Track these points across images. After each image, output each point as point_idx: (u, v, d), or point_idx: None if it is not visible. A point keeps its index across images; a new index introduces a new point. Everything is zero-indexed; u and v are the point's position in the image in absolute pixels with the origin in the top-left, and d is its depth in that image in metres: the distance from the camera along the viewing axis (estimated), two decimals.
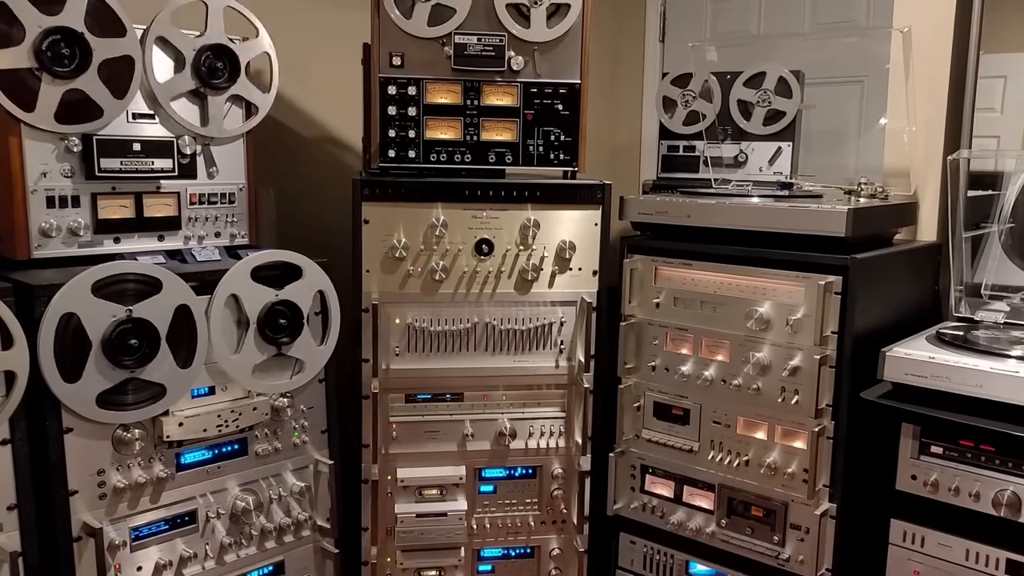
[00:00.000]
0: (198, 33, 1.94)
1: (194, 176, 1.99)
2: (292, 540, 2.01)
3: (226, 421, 1.85)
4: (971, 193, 2.21)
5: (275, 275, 1.91)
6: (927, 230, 2.34)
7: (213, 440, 1.86)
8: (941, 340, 1.90)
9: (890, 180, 2.33)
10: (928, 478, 1.78)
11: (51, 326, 1.60)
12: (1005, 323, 2.06)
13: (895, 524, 1.84)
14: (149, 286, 1.72)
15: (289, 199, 2.55)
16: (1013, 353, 1.77)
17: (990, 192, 2.25)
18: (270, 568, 1.98)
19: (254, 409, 1.90)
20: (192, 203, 2.00)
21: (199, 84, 1.94)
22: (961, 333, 1.95)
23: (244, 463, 1.92)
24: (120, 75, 1.82)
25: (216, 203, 2.04)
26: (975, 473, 1.73)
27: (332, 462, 2.05)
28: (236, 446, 1.90)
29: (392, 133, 2.09)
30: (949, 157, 2.10)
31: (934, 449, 1.78)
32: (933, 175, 2.31)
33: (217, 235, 2.05)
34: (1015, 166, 2.23)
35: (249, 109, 2.06)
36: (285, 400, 1.95)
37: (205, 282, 1.81)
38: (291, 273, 1.93)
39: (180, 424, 1.78)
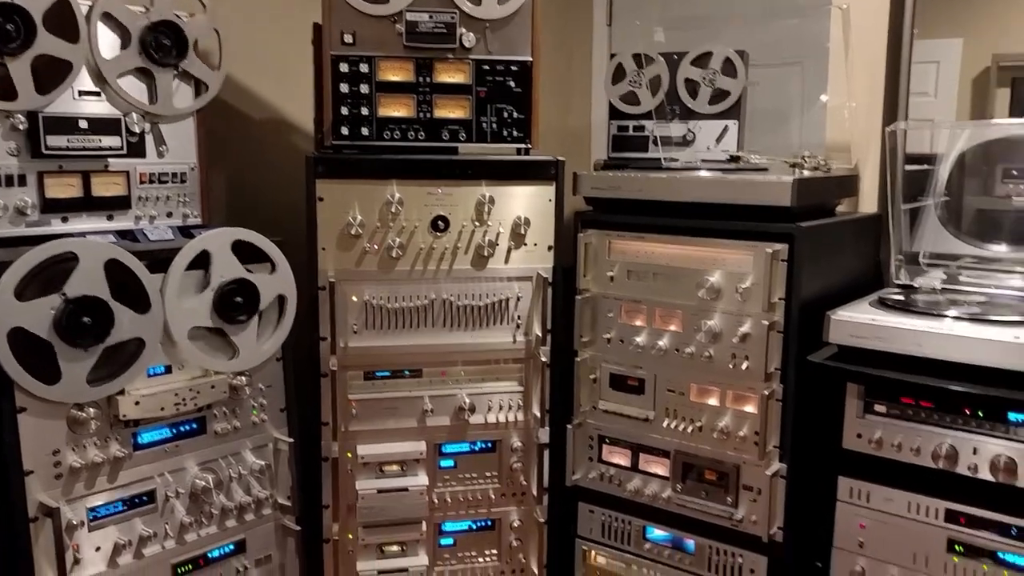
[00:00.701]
0: (144, 9, 1.91)
1: (143, 155, 1.97)
2: (253, 518, 2.01)
3: (184, 400, 1.84)
4: (908, 168, 2.30)
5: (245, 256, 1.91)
6: (868, 202, 2.43)
7: (171, 419, 1.84)
8: (883, 304, 1.97)
9: (832, 154, 2.41)
10: (872, 436, 1.85)
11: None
12: (942, 289, 2.15)
13: (842, 481, 1.92)
14: (68, 261, 1.66)
15: (243, 179, 2.53)
16: (949, 314, 1.85)
17: (926, 167, 2.35)
18: (231, 547, 1.98)
19: (212, 387, 1.89)
20: (142, 182, 1.98)
21: (146, 61, 1.92)
22: (901, 298, 2.03)
23: (203, 442, 1.91)
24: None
25: (167, 182, 2.02)
26: (916, 429, 1.80)
27: (292, 440, 2.05)
28: (195, 425, 1.89)
29: (345, 111, 2.09)
30: (887, 128, 2.19)
31: (877, 408, 1.86)
32: (873, 149, 2.40)
33: (169, 215, 2.03)
34: (947, 146, 2.32)
35: (199, 87, 2.04)
36: (243, 379, 1.94)
37: (158, 260, 1.80)
38: (260, 257, 1.94)
39: (137, 403, 1.77)
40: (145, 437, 1.81)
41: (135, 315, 1.74)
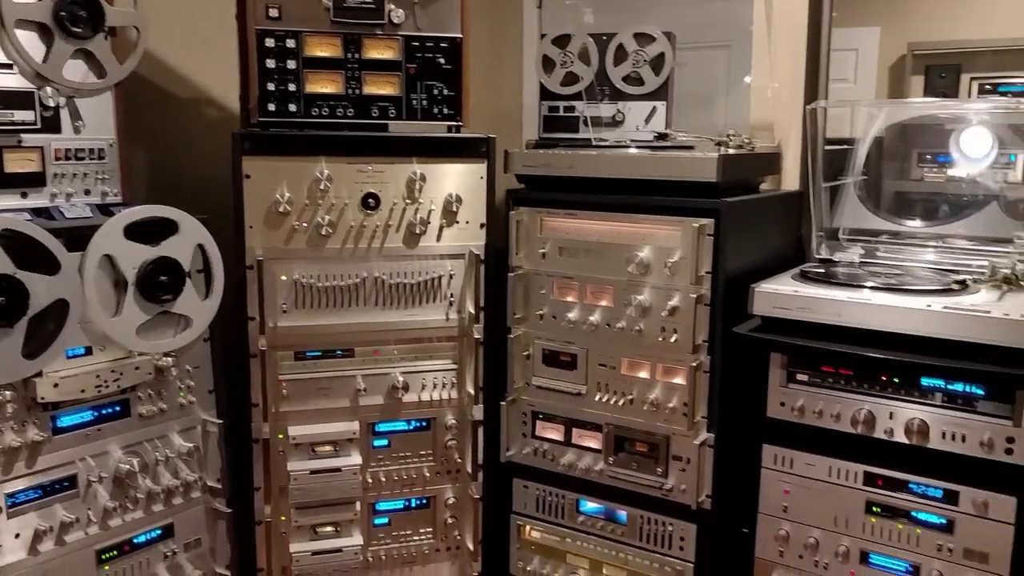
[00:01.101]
0: None
1: (59, 130, 1.90)
2: (181, 502, 1.97)
3: (106, 382, 1.78)
4: (828, 148, 2.37)
5: (151, 231, 1.85)
6: (791, 180, 2.50)
7: (92, 402, 1.79)
8: (804, 276, 2.04)
9: (756, 133, 2.47)
10: (795, 404, 1.92)
11: None
12: (861, 262, 2.23)
13: (767, 449, 1.97)
14: None
15: (166, 156, 2.46)
16: (867, 284, 1.92)
17: (845, 147, 2.42)
18: (158, 532, 1.93)
19: (136, 369, 1.84)
20: (57, 159, 1.90)
21: (53, 23, 1.81)
22: (822, 271, 2.10)
23: (127, 425, 1.87)
24: None
25: (84, 159, 1.95)
26: (836, 396, 1.87)
27: (221, 422, 2.01)
28: (118, 408, 1.84)
29: (271, 87, 2.05)
30: (808, 107, 2.25)
31: (800, 377, 1.92)
32: (795, 128, 2.46)
33: (87, 192, 1.96)
34: (864, 128, 2.41)
35: (100, 72, 1.96)
36: (169, 360, 1.90)
37: (75, 238, 1.74)
38: (168, 229, 1.87)
39: (55, 385, 1.71)
40: (65, 420, 1.76)
41: (49, 279, 1.68)
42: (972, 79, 2.40)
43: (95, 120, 1.96)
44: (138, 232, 1.82)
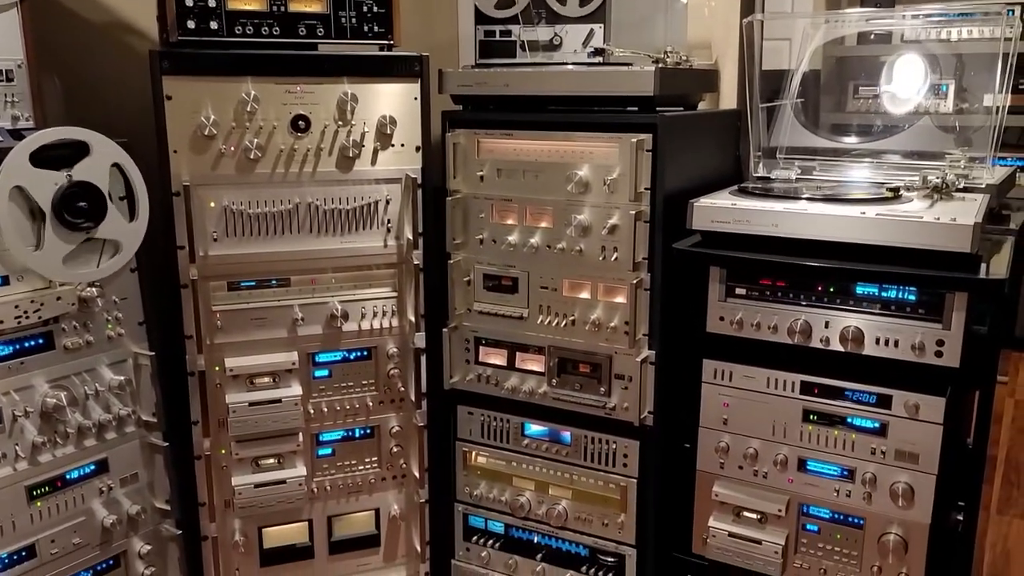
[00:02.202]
0: None
1: None
2: (115, 437, 1.92)
3: (26, 312, 1.71)
4: (766, 69, 2.36)
5: (63, 155, 1.75)
6: (728, 99, 2.49)
7: (12, 334, 1.71)
8: (742, 191, 2.04)
9: (694, 51, 2.44)
10: (734, 318, 1.93)
11: None
12: (797, 179, 2.24)
13: (707, 364, 1.99)
14: None
15: (82, 78, 2.33)
16: (804, 195, 1.93)
17: (783, 68, 2.42)
18: (92, 467, 1.88)
19: (58, 299, 1.76)
20: None
21: None
22: (760, 186, 2.11)
23: (51, 358, 1.79)
24: None
25: None
26: (773, 308, 1.89)
27: (152, 354, 1.95)
28: (41, 340, 1.77)
29: (190, 2, 1.94)
30: (744, 20, 2.23)
31: (738, 291, 1.93)
32: (732, 46, 2.45)
33: None
34: (800, 47, 2.40)
35: None
36: (94, 290, 1.82)
37: None
38: (80, 152, 1.78)
39: None
40: None
41: None
42: None
43: (1, 40, 1.84)
44: (50, 158, 1.73)
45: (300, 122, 2.04)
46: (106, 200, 1.79)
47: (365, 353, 2.24)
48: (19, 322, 1.70)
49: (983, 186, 2.00)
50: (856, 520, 1.88)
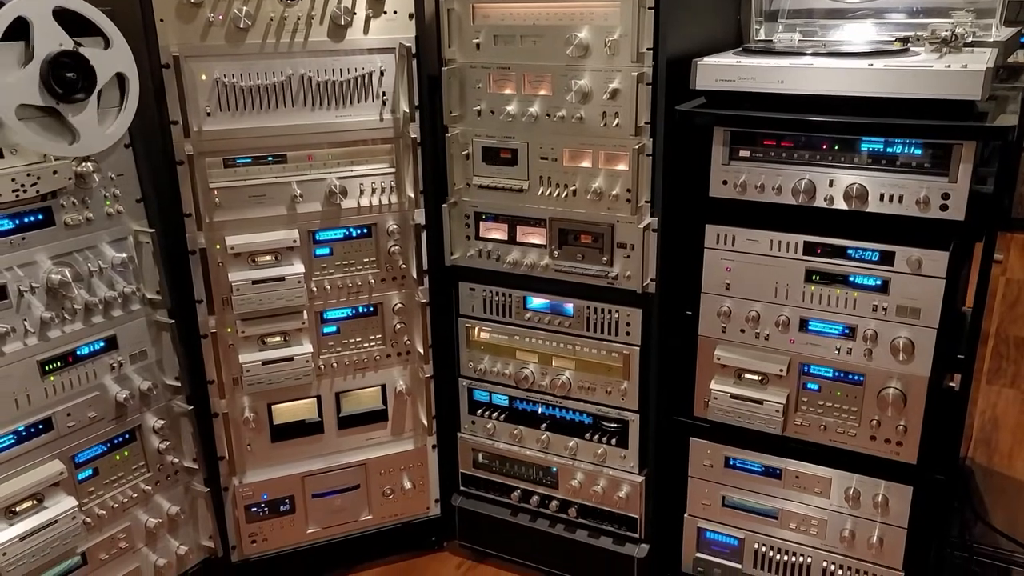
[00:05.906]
0: None
1: None
2: (121, 314, 1.92)
3: (23, 186, 1.68)
4: None
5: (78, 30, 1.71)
6: None
7: (10, 207, 1.69)
8: (747, 51, 2.00)
9: None
10: (737, 180, 1.92)
11: None
12: (800, 41, 2.19)
13: (709, 229, 1.99)
14: None
15: None
16: (808, 51, 1.89)
17: None
18: (101, 343, 1.89)
19: (54, 173, 1.73)
20: None
21: None
22: (763, 46, 2.06)
23: (53, 234, 1.77)
24: None
25: None
26: (777, 169, 1.88)
27: (152, 231, 1.94)
28: (40, 216, 1.75)
29: None
30: None
31: (742, 153, 1.92)
32: None
33: None
34: None
35: None
36: (90, 165, 1.79)
37: None
38: (88, 30, 1.74)
39: None
40: None
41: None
42: None
43: None
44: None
45: None
46: (96, 79, 1.73)
47: (365, 230, 2.22)
48: (17, 196, 1.67)
49: (991, 41, 1.96)
50: (856, 377, 1.92)
